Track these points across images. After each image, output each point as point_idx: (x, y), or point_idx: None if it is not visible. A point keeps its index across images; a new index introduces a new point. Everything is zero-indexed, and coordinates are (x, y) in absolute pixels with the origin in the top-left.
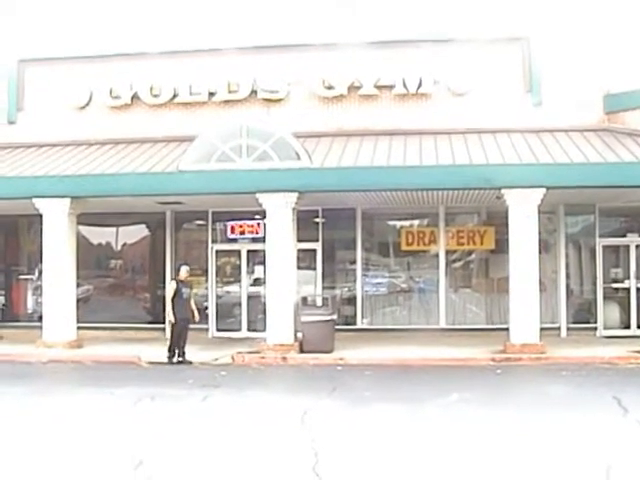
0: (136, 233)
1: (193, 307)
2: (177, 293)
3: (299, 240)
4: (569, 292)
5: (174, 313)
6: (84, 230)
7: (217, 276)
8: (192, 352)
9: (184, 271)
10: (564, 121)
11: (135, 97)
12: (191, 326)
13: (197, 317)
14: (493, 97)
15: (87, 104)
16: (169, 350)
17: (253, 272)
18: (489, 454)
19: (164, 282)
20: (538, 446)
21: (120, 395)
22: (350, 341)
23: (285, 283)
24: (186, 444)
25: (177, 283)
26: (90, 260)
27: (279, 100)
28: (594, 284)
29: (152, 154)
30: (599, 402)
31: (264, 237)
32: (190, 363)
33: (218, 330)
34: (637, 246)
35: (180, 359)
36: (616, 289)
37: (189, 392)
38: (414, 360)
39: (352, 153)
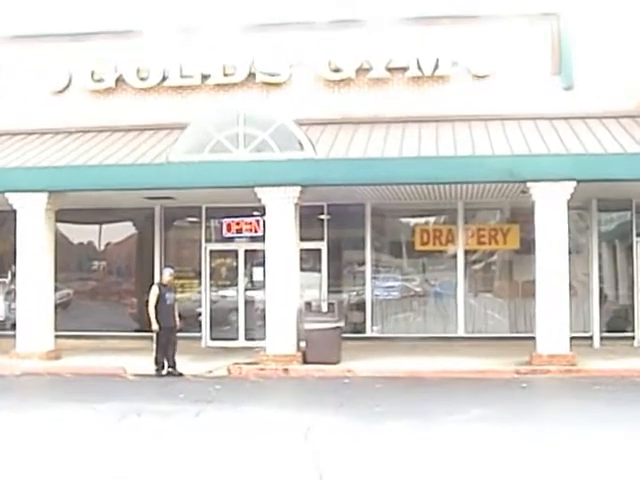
0: (121, 231)
1: (176, 313)
2: (160, 298)
3: (302, 239)
4: (602, 297)
5: (157, 320)
6: (63, 228)
7: (211, 279)
8: (183, 363)
9: (167, 274)
10: (598, 107)
11: (120, 80)
12: (182, 334)
13: (178, 324)
14: (518, 80)
15: (66, 88)
16: (156, 362)
17: (251, 274)
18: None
19: (152, 285)
20: (567, 472)
21: (103, 411)
22: (359, 351)
23: (287, 287)
24: (176, 464)
25: (159, 287)
26: (70, 261)
27: (280, 84)
28: (631, 288)
29: (139, 143)
30: (637, 421)
31: (263, 236)
32: (181, 375)
33: (212, 339)
34: None
35: (169, 370)
36: None
37: (180, 407)
38: (429, 372)
39: (361, 143)
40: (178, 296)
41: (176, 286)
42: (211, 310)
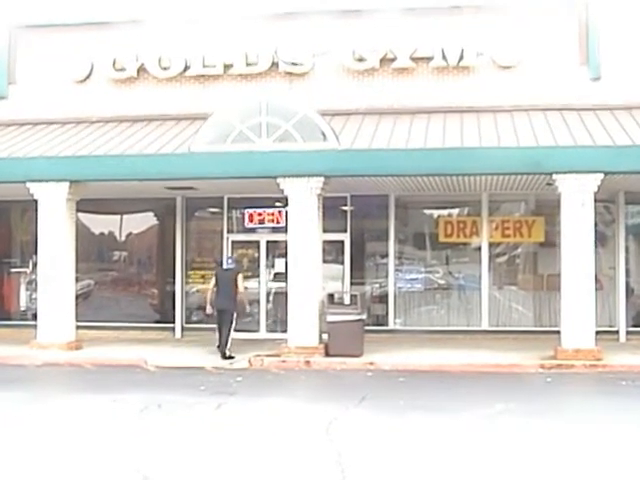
0: (143, 222)
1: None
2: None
3: (325, 230)
4: (629, 291)
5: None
6: (84, 218)
7: None
8: (203, 355)
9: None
10: (625, 98)
11: (142, 69)
12: (203, 326)
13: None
14: (544, 70)
15: (88, 77)
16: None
17: (273, 266)
18: (537, 476)
19: (174, 276)
20: (591, 467)
21: (123, 402)
22: (381, 344)
23: (309, 278)
24: (197, 457)
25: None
26: (91, 251)
27: (303, 74)
28: None
29: (161, 133)
30: None
31: (286, 227)
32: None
33: (234, 330)
34: None
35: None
36: None
37: (201, 399)
38: (453, 366)
39: (385, 133)
40: (200, 287)
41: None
42: None
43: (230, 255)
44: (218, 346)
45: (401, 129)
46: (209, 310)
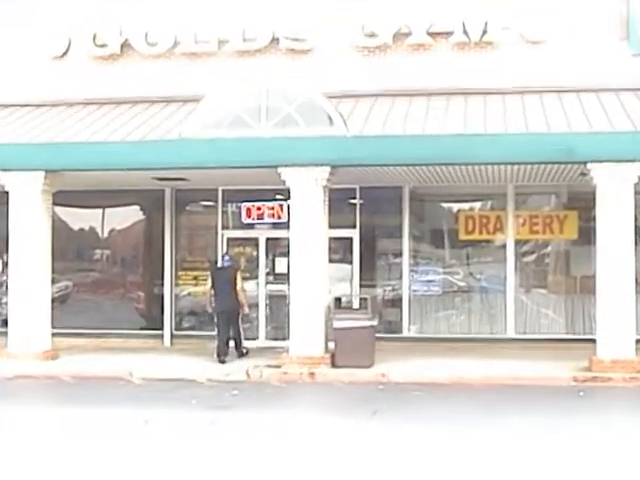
0: (127, 216)
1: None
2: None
3: (332, 226)
4: None
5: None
6: (62, 212)
7: None
8: (196, 366)
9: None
10: None
11: (126, 45)
12: (196, 333)
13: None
14: (578, 46)
15: (64, 54)
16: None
17: (273, 266)
18: None
19: (162, 278)
20: None
21: (105, 418)
22: (394, 353)
23: (314, 280)
24: None
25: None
26: (69, 250)
27: (307, 51)
28: None
29: (148, 117)
30: None
31: (288, 222)
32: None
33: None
34: None
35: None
36: None
37: (192, 414)
38: (475, 378)
39: (398, 117)
40: (191, 290)
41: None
42: None
43: (225, 252)
44: (218, 354)
45: (417, 113)
46: (210, 309)
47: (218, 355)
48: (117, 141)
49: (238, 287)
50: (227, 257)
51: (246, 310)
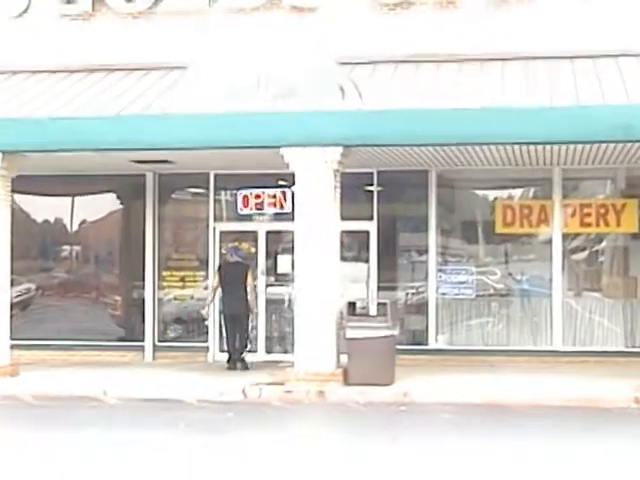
0: (101, 206)
1: None
2: None
3: (344, 218)
4: None
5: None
6: (23, 201)
7: None
8: (184, 383)
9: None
10: None
11: (99, 2)
12: (180, 344)
13: None
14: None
15: (25, 11)
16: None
17: (275, 265)
18: None
19: (143, 279)
20: None
21: (70, 443)
22: (418, 369)
23: (323, 281)
24: None
25: None
26: (32, 246)
27: (314, 9)
28: None
29: (125, 88)
30: None
31: (292, 213)
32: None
33: (223, 350)
34: None
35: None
36: None
37: (179, 441)
38: (514, 399)
39: (423, 88)
40: (177, 293)
41: None
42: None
43: (235, 245)
44: (228, 360)
45: (445, 82)
46: (206, 314)
47: (228, 361)
48: (88, 116)
49: (249, 287)
50: (239, 251)
51: (255, 310)
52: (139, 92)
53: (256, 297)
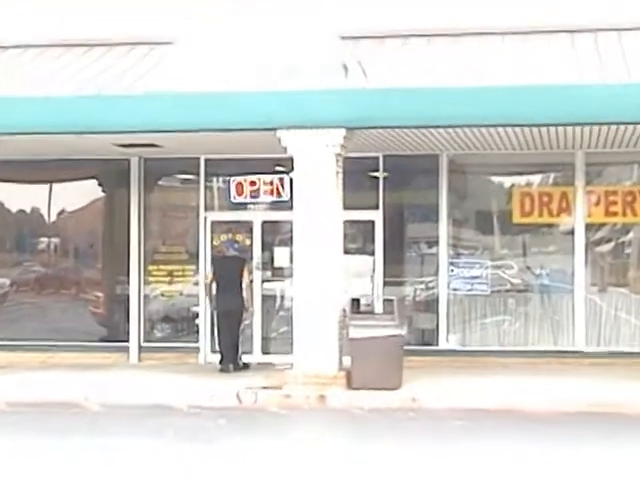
0: (82, 194)
1: None
2: None
3: (347, 207)
4: None
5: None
6: None
7: None
8: (172, 386)
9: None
10: None
11: None
12: (168, 345)
13: None
14: None
15: None
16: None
17: (272, 258)
18: None
19: (127, 274)
20: None
21: (47, 451)
22: (428, 371)
23: (324, 276)
24: None
25: None
26: (6, 238)
27: None
28: None
29: (107, 66)
30: None
31: (290, 201)
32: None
33: (215, 351)
34: None
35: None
36: None
37: (167, 450)
38: (533, 404)
39: (434, 64)
40: (165, 289)
41: None
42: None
43: (233, 238)
44: (220, 362)
45: (458, 57)
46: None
47: (221, 363)
48: (67, 95)
49: (244, 283)
50: (235, 244)
51: (250, 309)
52: (122, 70)
53: (252, 294)
